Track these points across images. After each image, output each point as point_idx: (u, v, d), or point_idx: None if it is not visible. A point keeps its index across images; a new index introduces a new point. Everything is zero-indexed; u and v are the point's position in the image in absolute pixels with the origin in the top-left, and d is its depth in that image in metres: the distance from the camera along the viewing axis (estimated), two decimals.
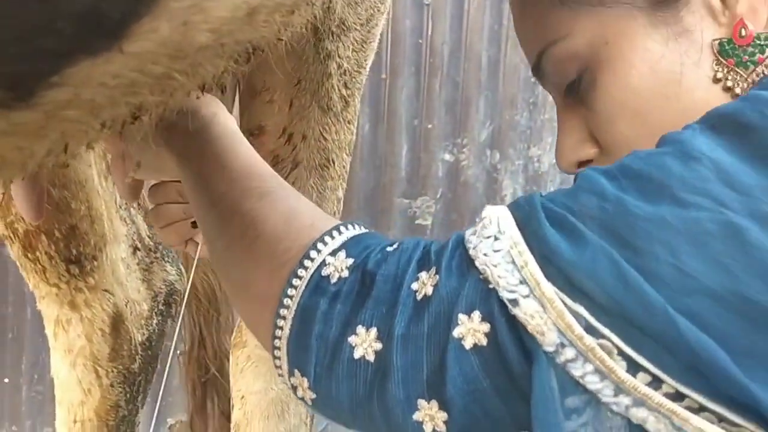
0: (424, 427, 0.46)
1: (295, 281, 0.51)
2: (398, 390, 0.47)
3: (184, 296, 1.30)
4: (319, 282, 0.51)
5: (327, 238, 0.53)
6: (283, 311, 0.51)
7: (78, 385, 1.14)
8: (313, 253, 0.52)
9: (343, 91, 0.92)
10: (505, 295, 0.44)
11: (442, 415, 0.46)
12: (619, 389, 0.41)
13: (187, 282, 1.23)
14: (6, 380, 2.16)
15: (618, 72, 0.58)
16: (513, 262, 0.45)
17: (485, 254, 0.46)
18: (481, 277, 0.46)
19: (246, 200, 0.59)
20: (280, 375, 0.53)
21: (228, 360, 1.32)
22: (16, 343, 2.16)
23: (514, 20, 0.68)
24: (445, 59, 2.16)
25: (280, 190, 0.61)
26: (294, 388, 0.52)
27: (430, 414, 0.46)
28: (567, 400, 0.42)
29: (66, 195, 1.07)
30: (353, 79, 0.93)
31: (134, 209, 1.24)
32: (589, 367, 0.42)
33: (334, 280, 0.51)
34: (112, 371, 1.16)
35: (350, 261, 0.51)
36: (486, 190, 2.21)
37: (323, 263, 0.52)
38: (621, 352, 0.42)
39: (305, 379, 0.50)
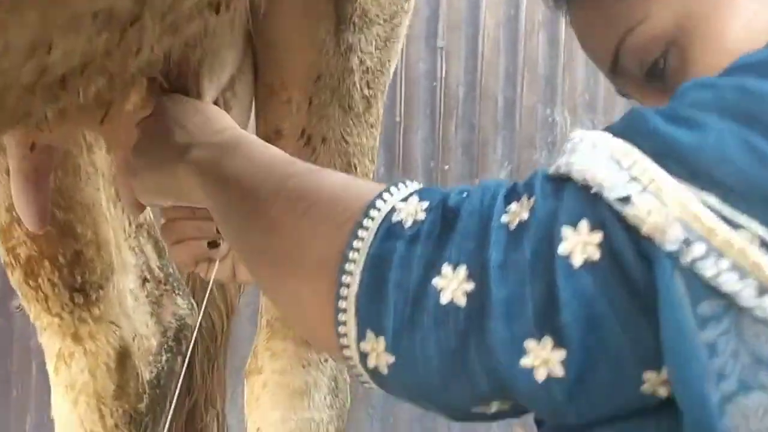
0: (535, 374, 0.38)
1: (361, 232, 0.44)
2: (502, 328, 0.38)
3: (194, 330, 1.22)
4: (390, 228, 0.43)
5: (393, 189, 0.46)
6: (348, 266, 0.43)
7: (80, 425, 1.06)
8: (379, 203, 0.45)
9: (366, 91, 0.87)
10: (613, 195, 0.37)
11: (559, 355, 0.37)
12: (764, 288, 0.34)
13: (199, 312, 1.16)
14: None
15: (710, 39, 0.55)
16: (618, 163, 0.38)
17: (581, 163, 0.39)
18: (580, 185, 0.39)
19: (291, 178, 0.52)
20: (344, 347, 0.44)
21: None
22: (19, 402, 2.07)
23: (579, 33, 0.65)
24: (461, 101, 2.13)
25: (328, 168, 0.56)
26: (363, 357, 0.43)
27: (542, 357, 0.38)
28: (700, 307, 0.35)
29: (71, 218, 1.01)
30: (376, 80, 0.88)
31: (143, 238, 1.18)
32: (725, 264, 0.35)
33: (408, 224, 0.43)
34: (117, 411, 1.08)
35: (425, 204, 0.44)
36: None
37: (393, 210, 0.44)
38: (765, 243, 0.34)
39: (381, 339, 0.42)
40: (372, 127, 0.92)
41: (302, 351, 0.95)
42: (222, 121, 0.68)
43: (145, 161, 0.70)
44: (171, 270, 1.22)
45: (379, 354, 0.42)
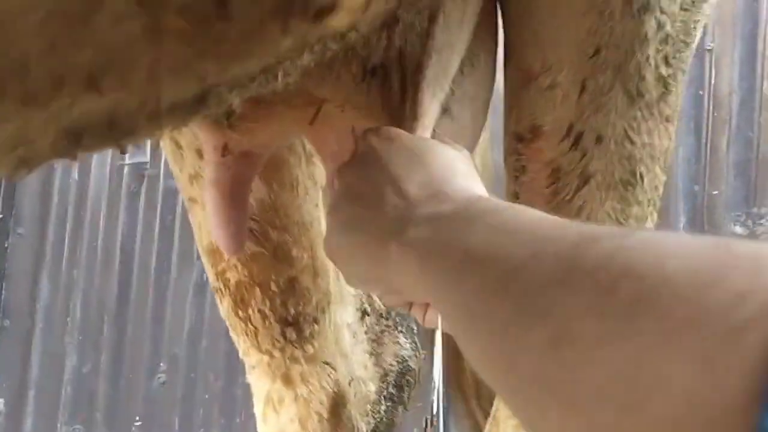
0: None
1: None
2: None
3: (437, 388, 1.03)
4: None
5: None
6: None
7: None
8: None
9: (663, 70, 0.63)
10: None
11: None
12: None
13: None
14: None
15: None
16: None
17: None
18: None
19: (583, 256, 0.33)
20: None
21: None
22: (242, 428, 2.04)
23: None
24: (734, 112, 1.77)
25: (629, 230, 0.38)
26: None
27: None
28: None
29: (286, 240, 0.87)
30: (678, 54, 0.63)
31: None
32: None
33: None
34: None
35: None
36: None
37: None
38: None
39: None
40: (668, 121, 0.67)
41: None
42: (454, 174, 0.49)
43: (347, 238, 0.52)
44: None
45: None
